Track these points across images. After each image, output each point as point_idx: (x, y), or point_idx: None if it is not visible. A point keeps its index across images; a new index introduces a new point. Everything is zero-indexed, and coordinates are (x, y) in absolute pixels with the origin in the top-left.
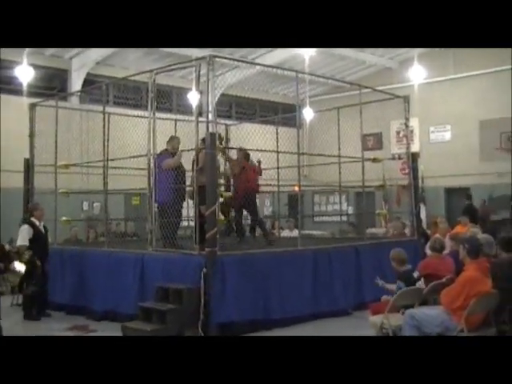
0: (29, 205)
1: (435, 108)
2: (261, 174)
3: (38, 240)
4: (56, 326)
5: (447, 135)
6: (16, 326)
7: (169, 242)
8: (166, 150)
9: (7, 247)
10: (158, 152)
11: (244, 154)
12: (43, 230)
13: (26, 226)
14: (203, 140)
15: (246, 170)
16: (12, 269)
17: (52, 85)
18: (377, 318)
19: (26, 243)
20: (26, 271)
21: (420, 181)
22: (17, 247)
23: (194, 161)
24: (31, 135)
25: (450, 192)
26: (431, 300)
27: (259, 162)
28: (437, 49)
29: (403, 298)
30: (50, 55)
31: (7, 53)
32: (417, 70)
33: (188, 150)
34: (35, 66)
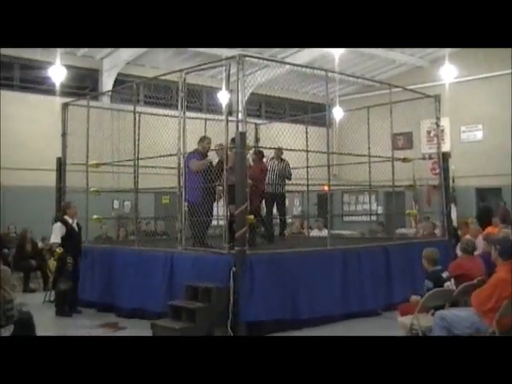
0: (61, 203)
1: (466, 107)
2: (290, 179)
3: (71, 238)
4: (87, 323)
5: (479, 135)
6: (48, 322)
7: (198, 241)
8: (197, 149)
9: (40, 245)
10: (189, 151)
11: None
12: (76, 228)
13: (58, 224)
14: (233, 140)
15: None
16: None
17: (84, 85)
18: (406, 319)
19: (58, 241)
20: (57, 268)
21: (451, 181)
22: (49, 245)
23: (219, 161)
24: (63, 134)
25: (482, 192)
26: (462, 301)
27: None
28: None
29: (433, 298)
30: (82, 55)
31: (40, 53)
32: (448, 69)
33: (217, 150)
34: (67, 67)
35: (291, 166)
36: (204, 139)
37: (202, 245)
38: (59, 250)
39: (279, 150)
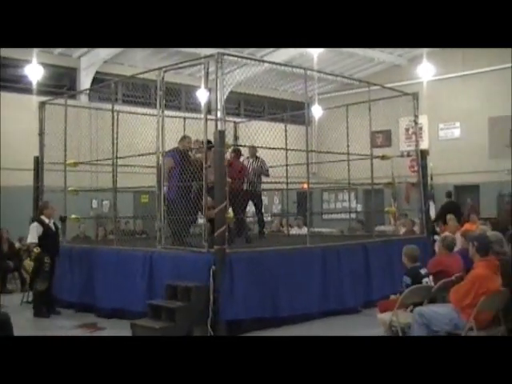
0: (39, 203)
1: (444, 105)
2: (268, 175)
3: (48, 237)
4: (66, 324)
5: (456, 132)
6: (27, 323)
7: (177, 240)
8: (177, 148)
9: (17, 245)
10: (168, 150)
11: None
12: (53, 228)
13: (35, 224)
14: (208, 140)
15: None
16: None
17: (61, 83)
18: (385, 316)
19: (36, 241)
20: (34, 268)
21: (429, 178)
22: (26, 245)
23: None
24: (41, 133)
25: (459, 189)
26: (440, 298)
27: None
28: None
29: (412, 295)
30: (59, 54)
31: (17, 52)
32: (426, 67)
33: (197, 149)
34: (44, 65)
35: (270, 164)
36: (184, 138)
37: (181, 243)
38: (36, 250)
39: (253, 149)
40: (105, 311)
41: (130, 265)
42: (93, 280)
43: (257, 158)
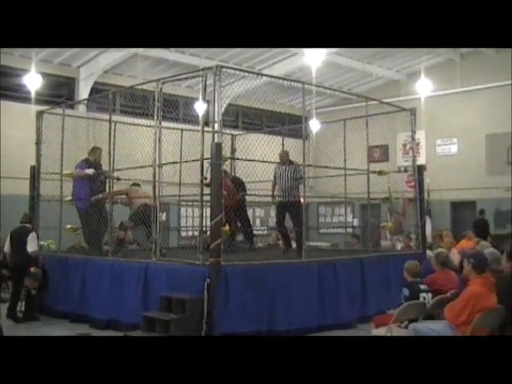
0: (27, 214)
1: (442, 121)
2: (300, 182)
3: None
4: (59, 333)
5: (454, 148)
6: (19, 333)
7: (95, 247)
8: (87, 159)
9: None
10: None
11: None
12: None
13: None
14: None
15: None
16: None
17: (59, 93)
18: (380, 331)
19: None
20: (41, 276)
21: (426, 194)
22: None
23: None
24: (38, 142)
25: (456, 205)
26: (435, 314)
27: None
28: (444, 62)
29: (407, 311)
30: (59, 63)
31: (16, 60)
32: (424, 82)
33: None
34: (43, 74)
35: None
36: (96, 150)
37: (100, 252)
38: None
39: (285, 155)
40: (99, 322)
41: (124, 276)
42: (87, 291)
43: (291, 163)
